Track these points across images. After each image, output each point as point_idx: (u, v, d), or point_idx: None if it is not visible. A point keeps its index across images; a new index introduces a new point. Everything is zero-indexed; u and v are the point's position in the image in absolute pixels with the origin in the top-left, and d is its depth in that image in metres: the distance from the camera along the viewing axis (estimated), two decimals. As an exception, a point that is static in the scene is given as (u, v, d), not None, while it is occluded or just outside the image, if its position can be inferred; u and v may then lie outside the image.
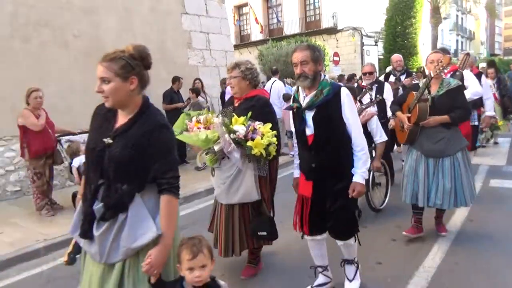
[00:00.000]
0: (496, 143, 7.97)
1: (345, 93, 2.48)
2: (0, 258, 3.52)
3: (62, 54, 6.37)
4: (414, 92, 3.46)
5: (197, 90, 7.33)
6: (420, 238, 3.59)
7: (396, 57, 6.32)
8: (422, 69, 6.79)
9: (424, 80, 3.39)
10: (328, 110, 2.47)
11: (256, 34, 24.87)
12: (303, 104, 2.52)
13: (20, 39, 5.95)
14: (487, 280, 2.86)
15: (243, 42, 26.29)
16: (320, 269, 2.81)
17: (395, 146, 6.01)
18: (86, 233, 1.67)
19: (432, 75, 3.26)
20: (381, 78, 6.20)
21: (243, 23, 26.79)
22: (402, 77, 6.02)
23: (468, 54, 5.02)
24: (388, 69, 6.97)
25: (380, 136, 4.05)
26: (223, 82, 8.32)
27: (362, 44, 20.82)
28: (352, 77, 12.44)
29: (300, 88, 2.60)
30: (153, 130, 1.65)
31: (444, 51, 4.83)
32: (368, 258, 3.20)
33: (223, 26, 9.18)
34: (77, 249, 1.85)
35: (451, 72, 4.55)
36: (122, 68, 1.60)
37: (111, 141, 1.65)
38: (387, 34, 19.49)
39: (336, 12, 22.44)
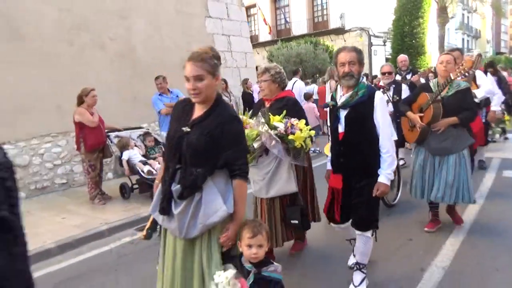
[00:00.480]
0: (506, 138, 8.40)
1: (379, 97, 2.65)
2: (73, 237, 4.02)
3: (99, 56, 6.87)
4: (426, 93, 3.57)
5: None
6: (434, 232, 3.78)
7: (401, 57, 6.72)
8: (433, 68, 7.20)
9: (440, 80, 3.53)
10: (361, 110, 2.65)
11: (264, 35, 25.30)
12: (339, 103, 2.73)
13: (63, 42, 6.46)
14: (502, 273, 2.97)
15: (251, 43, 26.75)
16: (354, 241, 2.98)
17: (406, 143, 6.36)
18: (165, 210, 1.92)
19: (452, 77, 3.36)
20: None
21: (251, 24, 27.27)
22: (408, 76, 6.30)
23: (480, 55, 5.42)
24: None
25: (392, 135, 4.34)
26: (245, 83, 8.80)
27: (371, 44, 21.24)
28: (365, 76, 12.91)
29: (338, 87, 2.84)
30: (226, 122, 1.91)
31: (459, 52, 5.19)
32: (384, 252, 3.36)
33: (243, 28, 9.67)
34: (154, 226, 2.15)
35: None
36: (213, 67, 1.88)
37: (189, 129, 1.92)
38: (395, 34, 19.92)
39: (344, 13, 22.87)
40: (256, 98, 8.11)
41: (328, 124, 2.99)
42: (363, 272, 2.85)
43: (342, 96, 2.73)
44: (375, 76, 12.56)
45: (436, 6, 22.15)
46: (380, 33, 22.51)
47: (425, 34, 19.32)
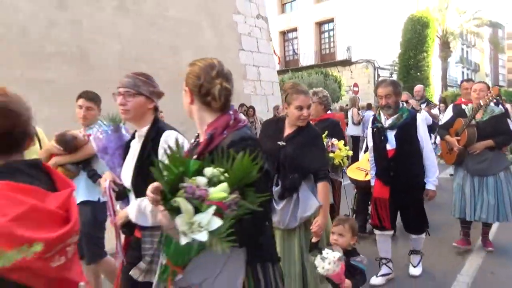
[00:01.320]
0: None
1: (420, 118, 3.27)
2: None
3: (152, 84, 7.85)
4: (461, 118, 3.94)
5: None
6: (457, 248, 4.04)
7: (418, 87, 7.54)
8: (443, 99, 8.10)
9: (474, 107, 3.85)
10: (407, 130, 3.20)
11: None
12: (385, 125, 3.26)
13: (124, 71, 7.44)
14: None
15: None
16: (384, 261, 3.41)
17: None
18: None
19: (482, 104, 3.74)
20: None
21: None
22: (423, 105, 7.00)
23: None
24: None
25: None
26: (276, 109, 9.78)
27: (378, 76, 22.51)
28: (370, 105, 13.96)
29: (381, 112, 3.37)
30: (314, 138, 2.54)
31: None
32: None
33: (270, 60, 10.78)
34: None
35: (452, 105, 4.96)
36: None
37: (284, 143, 2.50)
38: (400, 67, 21.23)
39: (350, 46, 24.35)
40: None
41: (369, 144, 3.52)
42: (419, 256, 3.50)
43: (387, 120, 3.28)
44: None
45: (438, 42, 23.62)
46: (386, 65, 23.90)
47: (430, 67, 20.61)
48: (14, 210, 0.92)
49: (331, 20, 25.80)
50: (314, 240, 2.42)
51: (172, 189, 1.14)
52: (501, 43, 42.33)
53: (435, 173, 3.29)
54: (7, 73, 6.00)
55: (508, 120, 4.03)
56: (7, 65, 5.98)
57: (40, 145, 3.31)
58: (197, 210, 1.10)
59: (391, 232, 3.41)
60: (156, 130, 1.89)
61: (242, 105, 8.97)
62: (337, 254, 2.00)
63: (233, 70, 7.17)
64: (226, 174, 1.18)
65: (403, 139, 3.20)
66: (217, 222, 1.07)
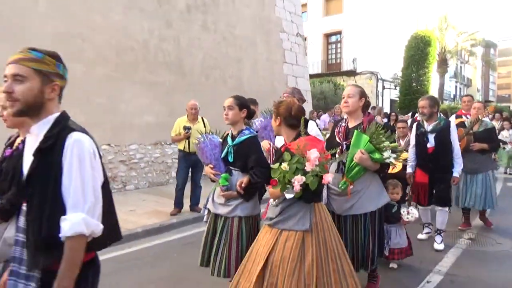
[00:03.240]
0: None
1: (453, 125, 4.51)
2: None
3: (222, 87, 10.08)
4: (461, 128, 5.13)
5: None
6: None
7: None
8: (445, 111, 10.30)
9: (472, 120, 5.19)
10: (443, 133, 4.39)
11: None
12: (428, 129, 4.50)
13: (204, 77, 9.66)
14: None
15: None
16: (426, 224, 4.87)
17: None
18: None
19: (480, 118, 5.09)
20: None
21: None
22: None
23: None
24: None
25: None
26: (312, 113, 12.08)
27: (383, 88, 25.11)
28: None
29: (423, 120, 4.64)
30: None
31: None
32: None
33: (305, 72, 13.13)
34: None
35: (455, 115, 6.22)
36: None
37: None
38: (403, 80, 23.83)
39: (356, 57, 26.94)
40: (321, 125, 11.33)
41: (413, 143, 4.70)
42: (441, 236, 4.65)
43: (428, 125, 4.54)
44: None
45: (437, 58, 26.37)
46: (388, 78, 26.54)
47: (429, 82, 23.25)
48: (318, 145, 2.95)
49: (339, 32, 28.34)
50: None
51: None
52: (492, 60, 45.82)
53: (460, 166, 4.54)
54: (134, 75, 8.18)
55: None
56: (134, 68, 8.15)
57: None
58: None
59: (429, 207, 4.73)
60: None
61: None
62: (416, 212, 3.89)
63: (278, 79, 10.68)
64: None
65: (440, 140, 4.45)
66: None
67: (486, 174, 5.20)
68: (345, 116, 3.39)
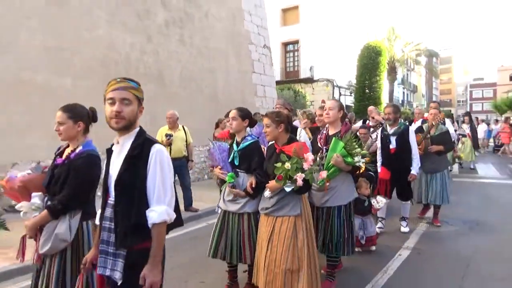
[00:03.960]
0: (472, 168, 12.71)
1: (411, 129, 5.39)
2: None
3: (199, 97, 10.75)
4: (419, 133, 5.81)
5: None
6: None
7: (371, 108, 10.90)
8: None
9: (429, 125, 5.88)
10: (403, 136, 5.21)
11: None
12: (390, 132, 5.30)
13: (182, 87, 10.30)
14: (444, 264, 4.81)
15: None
16: (380, 218, 5.50)
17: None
18: None
19: (434, 124, 5.80)
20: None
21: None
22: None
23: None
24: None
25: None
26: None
27: (340, 94, 26.78)
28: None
29: (387, 124, 5.47)
30: None
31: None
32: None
33: (272, 81, 14.09)
34: None
35: (422, 120, 7.52)
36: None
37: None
38: (357, 88, 25.61)
39: (313, 66, 28.50)
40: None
41: (379, 145, 5.50)
42: (406, 221, 5.62)
43: (391, 129, 5.36)
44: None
45: (387, 67, 28.55)
46: (344, 85, 28.32)
47: (381, 89, 25.18)
48: (308, 149, 3.78)
49: (296, 42, 29.79)
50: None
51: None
52: (435, 68, 49.74)
53: (418, 164, 5.33)
54: (118, 87, 8.67)
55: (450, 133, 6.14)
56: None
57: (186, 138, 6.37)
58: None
59: (388, 200, 5.40)
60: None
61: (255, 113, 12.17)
62: (383, 199, 4.94)
63: (248, 88, 11.92)
64: None
65: (400, 142, 5.26)
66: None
67: (443, 173, 5.91)
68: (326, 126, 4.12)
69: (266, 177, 3.35)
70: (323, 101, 10.26)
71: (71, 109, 2.63)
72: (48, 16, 7.46)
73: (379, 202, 4.82)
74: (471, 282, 3.91)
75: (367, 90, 25.04)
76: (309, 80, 28.77)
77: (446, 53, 72.10)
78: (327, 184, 3.44)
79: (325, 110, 3.96)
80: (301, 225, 3.17)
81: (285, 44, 30.54)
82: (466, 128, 12.27)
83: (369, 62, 24.67)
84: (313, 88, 28.73)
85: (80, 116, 2.63)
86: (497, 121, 24.90)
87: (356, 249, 4.43)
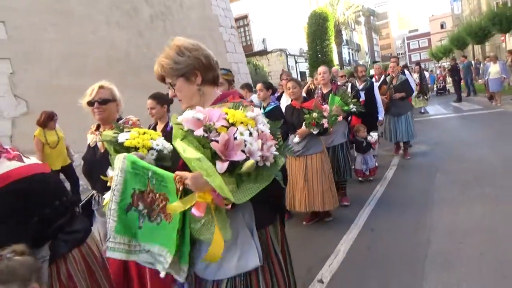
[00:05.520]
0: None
1: (375, 84, 6.88)
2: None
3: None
4: (384, 85, 7.35)
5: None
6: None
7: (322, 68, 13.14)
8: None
9: (392, 76, 7.33)
10: (370, 90, 6.43)
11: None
12: (360, 88, 6.45)
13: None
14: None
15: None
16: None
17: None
18: None
19: (394, 75, 7.32)
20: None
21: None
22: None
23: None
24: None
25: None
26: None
27: (296, 62, 28.77)
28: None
29: (356, 82, 7.97)
30: None
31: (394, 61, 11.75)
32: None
33: (242, 58, 15.67)
34: None
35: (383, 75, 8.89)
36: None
37: None
38: (310, 54, 27.69)
39: (265, 38, 30.15)
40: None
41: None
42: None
43: (360, 85, 6.77)
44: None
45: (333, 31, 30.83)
46: (296, 53, 30.32)
47: (332, 52, 27.45)
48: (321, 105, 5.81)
49: (245, 17, 31.14)
50: None
51: None
52: (373, 25, 53.09)
53: (382, 112, 6.66)
54: (124, 81, 9.96)
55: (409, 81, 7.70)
56: (123, 75, 9.93)
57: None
58: None
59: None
60: None
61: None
62: (375, 134, 6.95)
63: (225, 66, 12.80)
64: None
65: (368, 95, 6.44)
66: None
67: (407, 115, 7.38)
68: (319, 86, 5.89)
69: (292, 128, 4.68)
70: (283, 71, 12.10)
71: (157, 96, 3.60)
72: (61, 27, 8.57)
73: (373, 136, 6.66)
74: (440, 175, 6.00)
75: (319, 55, 27.19)
76: (263, 52, 30.41)
77: (382, 9, 76.21)
78: (331, 129, 4.69)
79: (320, 74, 5.65)
80: (325, 159, 4.85)
81: (236, 20, 31.72)
82: (416, 78, 14.59)
83: (318, 28, 26.72)
84: (268, 60, 30.45)
85: (164, 100, 3.57)
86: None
87: (360, 179, 6.37)
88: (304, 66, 30.29)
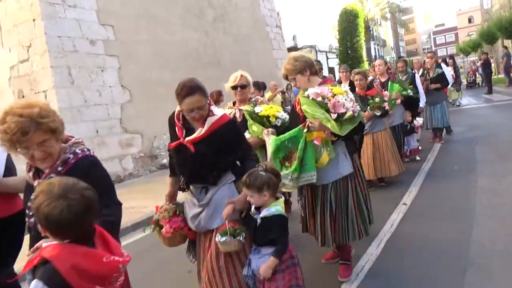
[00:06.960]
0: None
1: (417, 76, 7.66)
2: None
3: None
4: (421, 77, 8.11)
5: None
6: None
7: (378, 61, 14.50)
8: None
9: (428, 68, 8.47)
10: (412, 82, 7.10)
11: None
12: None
13: (232, 69, 13.38)
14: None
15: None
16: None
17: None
18: None
19: (429, 67, 8.56)
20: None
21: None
22: None
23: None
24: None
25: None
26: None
27: (327, 58, 30.23)
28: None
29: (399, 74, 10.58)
30: None
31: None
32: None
33: (285, 54, 17.26)
34: None
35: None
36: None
37: None
38: (341, 50, 29.06)
39: (295, 35, 31.67)
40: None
41: None
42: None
43: (402, 77, 8.19)
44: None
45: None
46: (324, 49, 31.73)
47: (362, 48, 28.73)
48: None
49: (277, 14, 32.76)
50: None
51: None
52: (399, 21, 53.80)
53: (423, 100, 7.45)
54: (195, 74, 11.73)
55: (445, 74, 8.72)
56: (194, 69, 11.69)
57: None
58: None
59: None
60: None
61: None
62: (420, 119, 8.59)
63: (271, 63, 16.28)
64: None
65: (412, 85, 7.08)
66: None
67: (442, 104, 8.35)
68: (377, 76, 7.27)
69: None
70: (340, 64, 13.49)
71: (256, 84, 4.92)
72: (148, 30, 10.37)
73: (418, 121, 8.09)
74: (479, 147, 7.46)
75: (349, 51, 28.55)
76: (294, 49, 31.84)
77: (407, 4, 76.45)
78: (391, 112, 6.15)
79: (376, 66, 7.18)
80: (388, 135, 6.13)
81: (266, 18, 33.48)
82: (451, 70, 15.85)
83: (348, 25, 28.05)
84: (298, 56, 31.97)
85: (261, 87, 5.05)
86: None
87: (406, 159, 7.45)
88: (333, 62, 31.68)
